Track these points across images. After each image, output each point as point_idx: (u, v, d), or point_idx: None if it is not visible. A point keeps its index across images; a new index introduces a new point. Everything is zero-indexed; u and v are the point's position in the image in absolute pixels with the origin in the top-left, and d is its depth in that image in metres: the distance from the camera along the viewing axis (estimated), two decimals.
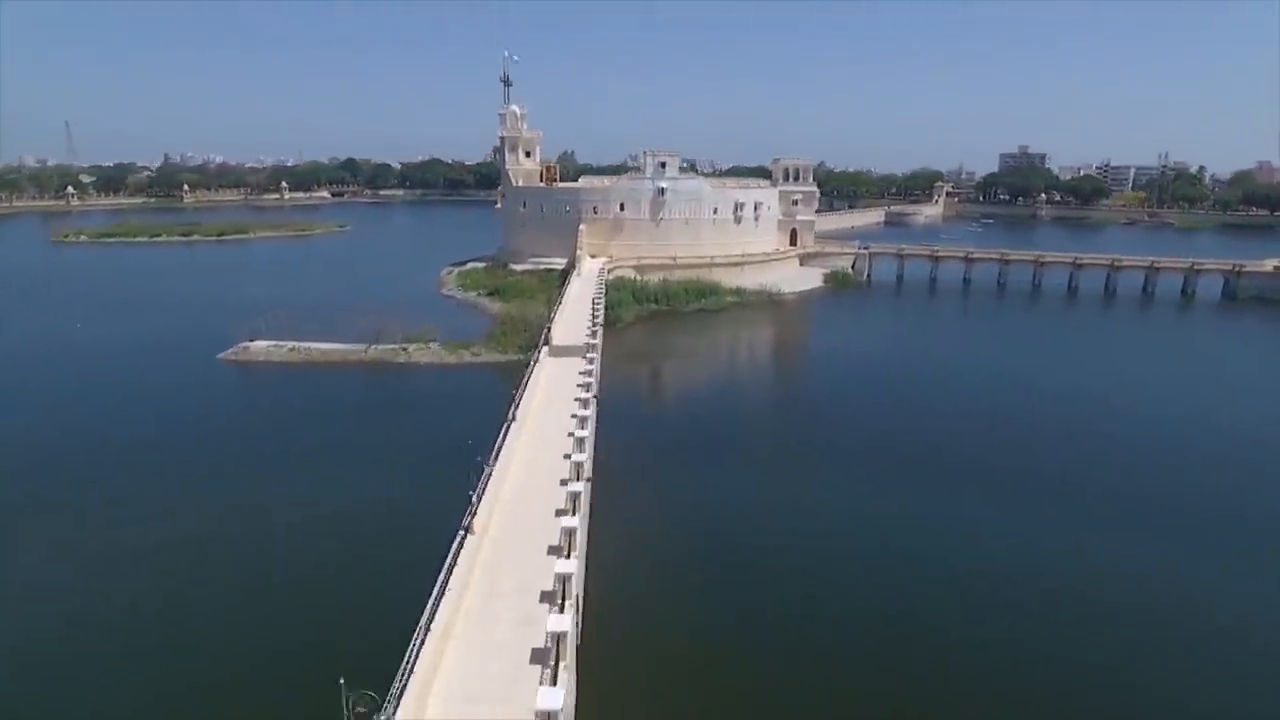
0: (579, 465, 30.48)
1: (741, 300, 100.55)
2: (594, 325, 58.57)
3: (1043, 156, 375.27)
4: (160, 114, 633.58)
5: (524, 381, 43.32)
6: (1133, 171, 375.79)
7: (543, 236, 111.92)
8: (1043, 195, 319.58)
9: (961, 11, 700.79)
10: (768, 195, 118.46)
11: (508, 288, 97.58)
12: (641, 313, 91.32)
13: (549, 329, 56.14)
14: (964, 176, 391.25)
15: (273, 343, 70.18)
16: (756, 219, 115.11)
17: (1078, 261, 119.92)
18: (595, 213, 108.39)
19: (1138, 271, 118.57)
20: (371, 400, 58.65)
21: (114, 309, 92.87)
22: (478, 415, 44.01)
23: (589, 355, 48.83)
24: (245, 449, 48.00)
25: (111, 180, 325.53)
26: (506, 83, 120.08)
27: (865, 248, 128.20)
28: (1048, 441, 53.26)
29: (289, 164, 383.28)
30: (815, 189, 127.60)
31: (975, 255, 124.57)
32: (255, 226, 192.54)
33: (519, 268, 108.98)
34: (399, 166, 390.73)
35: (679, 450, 49.33)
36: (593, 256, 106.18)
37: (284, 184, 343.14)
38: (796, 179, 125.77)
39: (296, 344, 69.86)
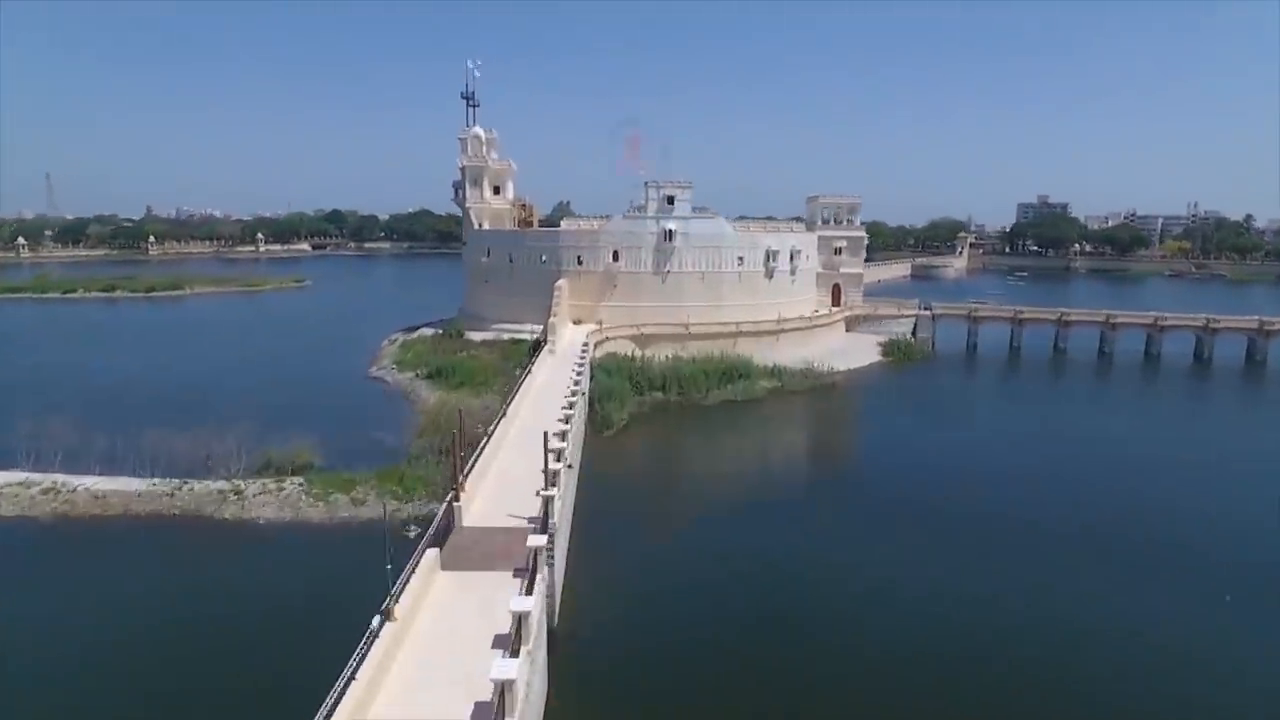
0: None
1: (781, 384, 72.22)
2: (556, 472, 30.03)
3: (1064, 206, 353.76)
4: (147, 169, 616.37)
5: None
6: (1160, 221, 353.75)
7: (511, 295, 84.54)
8: (1075, 246, 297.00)
9: (967, 61, 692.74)
10: (805, 241, 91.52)
11: (454, 368, 69.51)
12: (642, 406, 63.13)
13: (457, 490, 27.61)
14: (974, 228, 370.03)
15: (21, 476, 41.73)
16: (793, 272, 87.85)
17: (1210, 325, 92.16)
18: (580, 264, 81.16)
19: None
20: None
21: None
22: None
23: (525, 573, 20.47)
24: None
25: (71, 231, 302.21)
26: (470, 101, 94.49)
27: (927, 307, 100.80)
28: None
29: (280, 216, 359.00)
30: (863, 234, 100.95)
31: (1072, 318, 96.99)
32: (194, 281, 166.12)
33: (478, 337, 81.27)
34: (386, 218, 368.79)
35: None
36: (576, 322, 78.72)
37: (260, 236, 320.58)
38: (838, 222, 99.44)
39: (61, 479, 41.43)
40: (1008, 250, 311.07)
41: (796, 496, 46.83)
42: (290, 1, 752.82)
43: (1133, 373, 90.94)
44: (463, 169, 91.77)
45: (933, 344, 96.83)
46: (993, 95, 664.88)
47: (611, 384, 62.28)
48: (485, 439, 37.14)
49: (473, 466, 32.07)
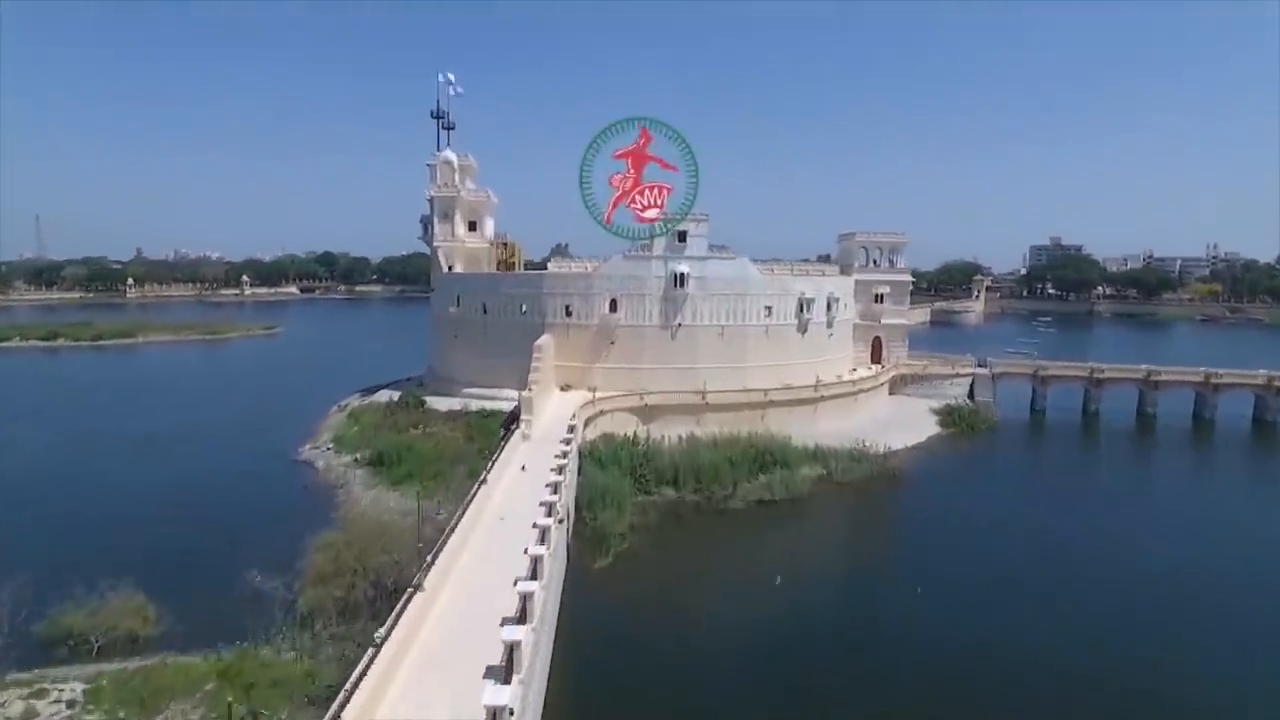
0: None
1: (828, 470, 55.47)
2: None
3: (1078, 248, 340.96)
4: (141, 212, 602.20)
5: None
6: (1179, 263, 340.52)
7: (484, 354, 68.44)
8: (1098, 290, 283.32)
9: (967, 101, 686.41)
10: (843, 286, 75.74)
11: (402, 452, 53.06)
12: (648, 512, 46.33)
13: None
14: (983, 271, 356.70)
15: None
16: (830, 324, 71.83)
17: None
18: (569, 315, 65.14)
19: None
20: None
21: None
22: None
23: None
24: None
25: (43, 274, 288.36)
26: (443, 121, 79.73)
27: (984, 364, 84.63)
28: None
29: (269, 259, 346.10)
30: (909, 277, 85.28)
31: (1164, 377, 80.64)
32: (148, 329, 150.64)
33: (443, 405, 64.85)
34: (379, 260, 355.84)
35: None
36: (564, 388, 62.41)
37: (245, 279, 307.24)
38: (876, 264, 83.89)
39: None
40: (1025, 294, 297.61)
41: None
42: (290, 43, 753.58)
43: (1236, 440, 75.37)
44: (431, 200, 76.39)
45: (994, 409, 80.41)
46: (995, 135, 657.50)
47: (607, 481, 45.66)
48: (374, 648, 20.51)
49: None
